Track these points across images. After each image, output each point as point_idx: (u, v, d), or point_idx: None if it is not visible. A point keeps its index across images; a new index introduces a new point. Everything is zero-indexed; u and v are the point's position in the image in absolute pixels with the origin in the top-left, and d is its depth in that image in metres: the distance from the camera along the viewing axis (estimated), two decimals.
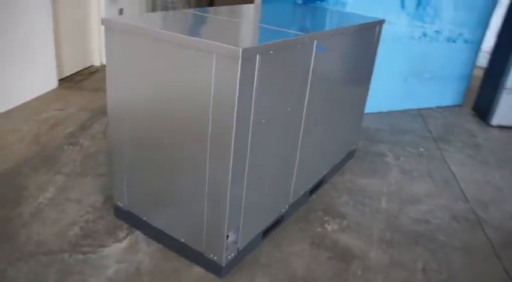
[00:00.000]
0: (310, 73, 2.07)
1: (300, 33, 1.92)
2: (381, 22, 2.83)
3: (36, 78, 3.76)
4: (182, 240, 2.02)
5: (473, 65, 4.67)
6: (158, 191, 2.03)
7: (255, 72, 1.60)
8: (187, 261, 2.04)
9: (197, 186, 1.83)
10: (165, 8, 5.85)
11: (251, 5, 3.02)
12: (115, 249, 2.09)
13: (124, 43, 1.81)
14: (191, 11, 2.32)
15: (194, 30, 2.04)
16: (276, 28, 2.04)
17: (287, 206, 2.38)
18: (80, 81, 4.34)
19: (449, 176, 3.20)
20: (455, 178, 3.17)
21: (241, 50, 1.47)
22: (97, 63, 4.81)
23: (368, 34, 2.73)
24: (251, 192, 1.90)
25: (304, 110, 2.15)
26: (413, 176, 3.14)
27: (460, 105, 4.86)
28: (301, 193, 2.51)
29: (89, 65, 4.73)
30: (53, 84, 3.98)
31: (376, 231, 2.45)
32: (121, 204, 2.23)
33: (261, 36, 2.01)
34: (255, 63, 1.59)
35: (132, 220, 2.21)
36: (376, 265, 2.18)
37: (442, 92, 4.64)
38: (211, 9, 2.45)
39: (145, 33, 1.73)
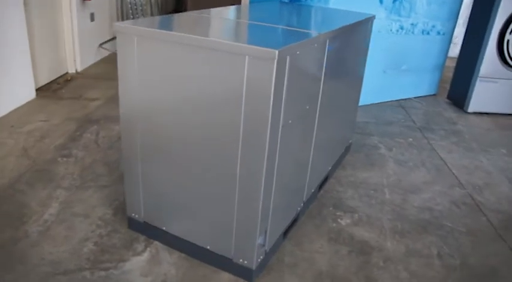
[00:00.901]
0: (323, 71, 2.09)
1: (315, 32, 1.93)
2: (372, 18, 2.89)
3: (14, 89, 3.56)
4: (208, 247, 1.98)
5: (445, 55, 4.87)
6: (180, 199, 1.98)
7: (285, 72, 1.60)
8: (214, 267, 2.01)
9: (226, 192, 1.80)
10: (135, 11, 5.70)
11: (243, 5, 3.01)
12: (136, 262, 2.02)
13: (144, 49, 1.75)
14: (195, 13, 2.28)
15: (216, 33, 2.00)
16: (291, 28, 2.05)
17: (302, 204, 2.39)
18: (57, 90, 4.15)
19: (441, 163, 3.33)
20: (446, 165, 3.30)
21: (277, 51, 1.46)
22: (72, 70, 4.62)
23: (363, 30, 2.78)
24: (277, 193, 1.90)
25: (318, 107, 2.17)
26: (408, 166, 3.23)
27: (435, 95, 5.06)
28: (313, 190, 2.53)
29: (63, 73, 4.53)
30: (31, 94, 3.79)
31: (386, 223, 2.51)
32: (136, 216, 2.16)
33: (283, 37, 1.99)
34: (286, 64, 1.58)
35: (150, 231, 2.15)
36: (394, 255, 2.24)
37: (418, 82, 4.81)
38: (212, 10, 2.42)
39: (170, 38, 1.68)
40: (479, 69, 4.27)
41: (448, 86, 5.03)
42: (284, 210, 2.13)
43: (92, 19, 4.81)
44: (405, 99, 4.79)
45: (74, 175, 2.69)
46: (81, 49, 4.61)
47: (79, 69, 4.66)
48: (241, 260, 1.91)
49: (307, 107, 2.00)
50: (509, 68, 4.24)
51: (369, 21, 2.83)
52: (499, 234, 2.49)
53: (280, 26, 2.09)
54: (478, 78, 4.30)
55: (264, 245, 1.95)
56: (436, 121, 4.24)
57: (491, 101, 4.41)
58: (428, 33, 4.53)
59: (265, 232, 1.92)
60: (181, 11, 8.15)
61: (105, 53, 5.19)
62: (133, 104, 1.89)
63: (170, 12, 7.69)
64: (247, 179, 1.72)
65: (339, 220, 2.49)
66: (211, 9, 2.45)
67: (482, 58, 4.23)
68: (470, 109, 4.45)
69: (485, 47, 4.19)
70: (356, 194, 2.78)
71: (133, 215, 2.17)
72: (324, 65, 2.07)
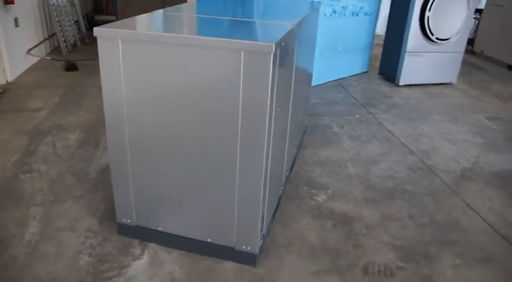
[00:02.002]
0: (295, 59, 2.21)
1: (289, 23, 2.04)
2: (319, 4, 3.07)
3: None
4: (208, 239, 2.04)
5: (373, 34, 5.24)
6: (176, 197, 2.00)
7: (276, 64, 1.69)
8: (215, 258, 2.07)
9: (226, 184, 1.87)
10: (59, 13, 5.37)
11: (192, 2, 3.03)
12: (138, 266, 2.02)
13: (130, 52, 1.73)
14: (162, 12, 2.27)
15: (204, 30, 2.03)
16: (265, 21, 2.13)
17: (281, 187, 2.52)
18: None
19: (389, 135, 3.64)
20: (394, 136, 3.62)
21: (274, 45, 1.55)
22: (1, 82, 4.28)
23: (315, 16, 2.94)
24: (270, 180, 2.00)
25: (292, 94, 2.29)
26: (362, 141, 3.50)
27: (367, 72, 5.43)
28: (287, 173, 2.67)
29: None
30: None
31: (357, 194, 2.73)
32: (127, 221, 2.14)
33: (267, 30, 2.07)
34: (277, 56, 1.67)
35: (143, 234, 2.15)
36: (373, 222, 2.46)
37: (352, 61, 5.14)
38: (175, 8, 2.42)
39: (159, 39, 1.69)
40: (406, 45, 4.68)
41: (376, 63, 5.43)
42: (272, 194, 2.24)
43: (17, 24, 4.48)
44: (342, 78, 5.10)
45: (43, 190, 2.57)
46: (9, 57, 4.29)
47: (10, 79, 4.34)
48: (243, 247, 2.00)
49: (286, 95, 2.12)
50: (431, 42, 4.70)
51: (318, 7, 3.00)
52: (454, 191, 2.83)
53: (257, 20, 2.17)
54: (406, 54, 4.71)
55: (261, 230, 2.06)
56: (374, 96, 4.58)
57: (418, 74, 4.85)
58: (357, 14, 4.84)
59: (263, 217, 2.02)
60: (101, 9, 7.83)
61: (33, 60, 4.86)
62: (120, 107, 1.87)
63: (89, 12, 7.35)
64: (248, 170, 1.80)
65: (315, 197, 2.66)
66: (174, 6, 2.46)
67: (408, 34, 4.63)
68: (401, 82, 4.87)
69: (409, 25, 4.60)
70: (324, 172, 2.97)
71: (124, 220, 2.15)
72: (296, 54, 2.19)
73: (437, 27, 4.60)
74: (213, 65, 1.67)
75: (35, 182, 2.65)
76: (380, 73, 5.20)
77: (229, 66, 1.64)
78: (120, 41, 1.72)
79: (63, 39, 5.22)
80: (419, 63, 4.78)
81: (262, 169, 1.79)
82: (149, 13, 2.21)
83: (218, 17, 2.36)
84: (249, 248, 2.00)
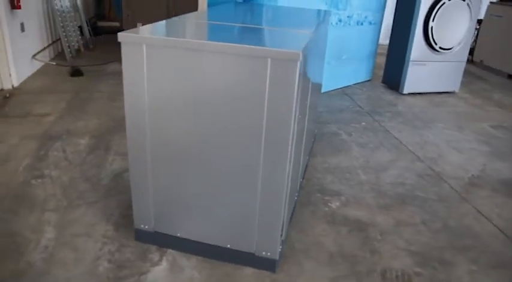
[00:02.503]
0: (311, 67, 2.23)
1: (308, 31, 2.06)
2: (329, 12, 3.11)
3: None
4: (228, 245, 2.04)
5: (377, 43, 5.30)
6: (197, 203, 2.00)
7: (301, 71, 1.71)
8: (234, 264, 2.07)
9: (248, 190, 1.87)
10: (64, 19, 5.37)
11: (202, 10, 3.05)
12: (158, 272, 2.01)
13: (155, 58, 1.75)
14: (181, 19, 2.29)
15: (226, 37, 2.07)
16: (285, 29, 2.16)
17: (297, 193, 2.53)
18: None
19: (396, 142, 3.67)
20: (401, 143, 3.65)
21: (301, 52, 1.57)
22: (8, 86, 4.26)
23: (326, 25, 2.97)
24: (291, 184, 2.01)
25: (308, 101, 2.31)
26: (370, 148, 3.52)
27: (370, 80, 5.48)
28: (301, 179, 2.69)
29: None
30: None
31: (370, 200, 2.75)
32: (145, 227, 2.14)
33: (291, 38, 2.09)
34: (302, 64, 1.69)
35: (161, 240, 2.14)
36: (387, 228, 2.47)
37: (356, 70, 5.19)
38: (193, 15, 2.44)
39: (185, 45, 1.70)
40: (410, 54, 4.73)
41: (379, 72, 5.48)
42: (290, 199, 2.25)
43: (23, 29, 4.48)
44: (346, 86, 5.14)
45: (56, 196, 2.55)
46: (15, 62, 4.28)
47: (15, 84, 4.32)
48: (264, 253, 2.00)
49: (305, 103, 2.14)
50: (435, 52, 4.76)
51: (329, 16, 3.04)
52: (463, 197, 2.85)
53: (275, 28, 2.20)
54: (410, 62, 4.76)
55: (281, 235, 2.06)
56: (379, 104, 4.62)
57: (422, 82, 4.91)
58: (362, 23, 4.90)
59: (283, 222, 2.03)
60: (104, 15, 7.84)
61: (38, 65, 4.85)
62: (142, 113, 1.87)
63: (92, 18, 7.36)
64: (271, 175, 1.81)
65: (329, 204, 2.68)
66: (189, 14, 2.48)
67: (412, 44, 4.69)
68: (405, 91, 4.92)
69: (413, 34, 4.65)
70: (335, 178, 2.99)
71: (142, 226, 2.15)
72: (312, 62, 2.22)
73: (440, 37, 4.67)
74: (239, 71, 1.69)
75: (47, 187, 2.64)
76: (384, 81, 5.25)
77: (256, 73, 1.65)
78: (144, 47, 1.73)
79: (67, 44, 5.22)
80: (422, 72, 4.84)
81: (286, 175, 1.80)
82: (167, 20, 2.23)
83: (235, 24, 2.38)
84: (269, 253, 2.00)
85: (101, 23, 6.77)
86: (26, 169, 2.82)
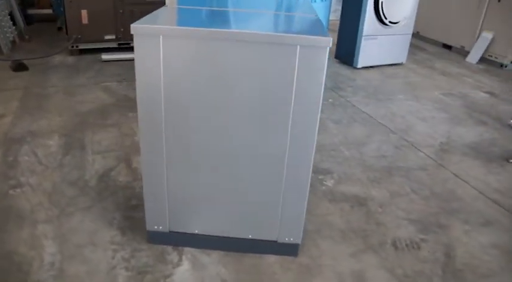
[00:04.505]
0: None
1: (310, 15, 2.05)
2: None
3: None
4: (250, 236, 2.03)
5: (328, 20, 5.39)
6: (217, 198, 1.95)
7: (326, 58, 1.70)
8: (256, 254, 2.07)
9: (273, 179, 1.86)
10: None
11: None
12: (182, 273, 1.95)
13: (172, 49, 1.64)
14: (186, 5, 2.16)
15: (247, 25, 1.97)
16: (295, 14, 2.12)
17: None
18: None
19: (366, 116, 3.81)
20: (371, 117, 3.80)
21: (331, 39, 1.56)
22: None
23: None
24: None
25: None
26: (344, 124, 3.63)
27: None
28: None
29: None
30: None
31: (360, 175, 2.85)
32: (160, 228, 2.05)
33: (309, 24, 2.05)
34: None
35: (177, 239, 2.07)
36: (384, 200, 2.59)
37: None
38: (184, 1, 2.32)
39: (208, 35, 1.62)
40: (362, 30, 4.89)
41: (331, 48, 5.60)
42: None
43: None
44: None
45: (43, 205, 2.35)
46: None
47: None
48: (287, 239, 2.02)
49: None
50: (385, 26, 4.95)
51: None
52: (440, 164, 3.06)
53: (286, 13, 2.16)
54: (363, 37, 4.92)
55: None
56: (339, 80, 4.75)
57: (373, 56, 5.10)
58: (315, 1, 4.95)
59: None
60: (32, 3, 7.11)
61: None
62: (158, 108, 1.76)
63: (19, 5, 6.64)
64: (297, 162, 1.81)
65: (324, 182, 2.74)
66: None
67: (364, 19, 4.84)
68: (359, 65, 5.09)
69: (365, 10, 4.80)
70: (323, 157, 3.05)
71: (155, 227, 2.05)
72: None
73: (389, 11, 4.86)
74: (265, 60, 1.64)
75: (30, 196, 2.42)
76: (337, 57, 5.39)
77: (283, 61, 1.62)
78: (161, 38, 1.62)
79: (1, 36, 4.70)
80: (374, 46, 5.02)
81: (311, 162, 1.81)
82: (166, 7, 2.09)
83: (237, 10, 2.28)
84: (292, 239, 2.02)
85: (31, 11, 6.14)
86: None
